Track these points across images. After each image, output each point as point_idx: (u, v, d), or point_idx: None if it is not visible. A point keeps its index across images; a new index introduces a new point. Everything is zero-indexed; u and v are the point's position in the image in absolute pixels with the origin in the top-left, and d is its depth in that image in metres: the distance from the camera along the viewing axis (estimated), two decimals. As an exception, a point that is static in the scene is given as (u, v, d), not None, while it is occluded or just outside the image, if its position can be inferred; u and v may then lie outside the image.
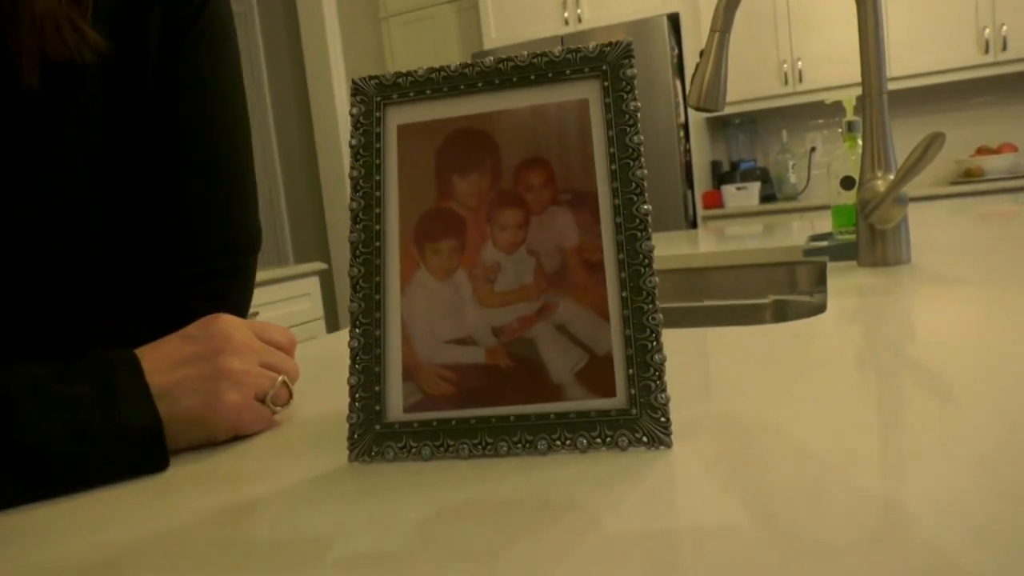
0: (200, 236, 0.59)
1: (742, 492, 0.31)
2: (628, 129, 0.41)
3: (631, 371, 0.38)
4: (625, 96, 0.42)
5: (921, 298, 0.75)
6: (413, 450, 0.39)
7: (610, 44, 0.42)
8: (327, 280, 3.96)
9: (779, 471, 0.33)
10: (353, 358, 0.41)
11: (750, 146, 4.18)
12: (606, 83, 0.42)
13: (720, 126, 4.24)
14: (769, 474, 0.33)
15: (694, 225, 3.78)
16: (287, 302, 2.84)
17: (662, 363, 0.38)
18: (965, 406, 0.39)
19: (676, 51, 3.74)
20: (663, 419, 0.37)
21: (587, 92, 0.43)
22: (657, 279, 0.39)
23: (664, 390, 0.38)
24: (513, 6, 3.98)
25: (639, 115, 0.41)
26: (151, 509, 0.37)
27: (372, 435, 0.40)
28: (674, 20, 3.75)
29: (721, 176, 4.00)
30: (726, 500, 0.31)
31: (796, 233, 1.76)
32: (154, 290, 0.58)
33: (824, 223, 1.92)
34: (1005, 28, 3.43)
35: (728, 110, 3.94)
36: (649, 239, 0.40)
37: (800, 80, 3.81)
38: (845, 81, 3.64)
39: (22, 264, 0.51)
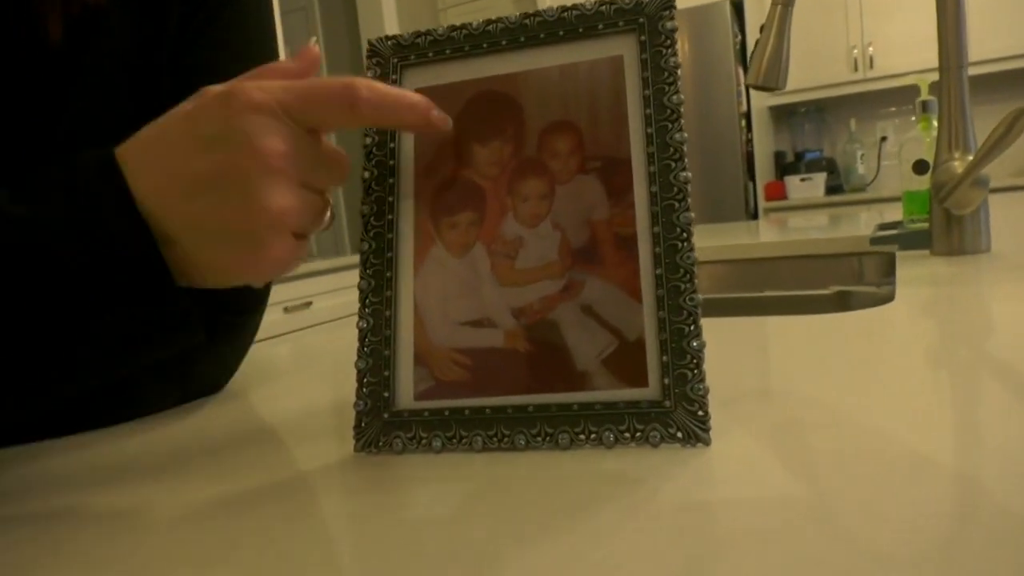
0: None
1: (790, 501, 0.27)
2: (667, 88, 0.37)
3: (665, 358, 0.34)
4: (664, 51, 0.37)
5: (1000, 289, 0.68)
6: (423, 441, 0.36)
7: (648, -6, 0.38)
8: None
9: (834, 472, 0.28)
10: (361, 340, 0.38)
11: (816, 135, 4.03)
12: (643, 37, 0.38)
13: (785, 115, 4.10)
14: (820, 477, 0.28)
15: (755, 217, 3.66)
16: (342, 292, 2.86)
17: (700, 349, 0.34)
18: (1059, 405, 0.34)
19: (739, 38, 3.62)
20: (701, 413, 0.33)
21: (622, 48, 0.38)
22: (696, 255, 0.34)
23: (703, 380, 0.33)
24: (571, -6, 3.92)
25: (679, 72, 0.37)
26: (138, 500, 0.34)
27: (380, 424, 0.37)
28: (737, 6, 3.63)
29: (785, 167, 3.87)
30: (771, 513, 0.26)
31: (863, 225, 1.67)
32: None
33: (894, 214, 1.82)
34: (1097, 7, 3.21)
35: (794, 98, 3.81)
36: (688, 210, 0.35)
37: (871, 66, 3.65)
38: (919, 67, 3.46)
39: None
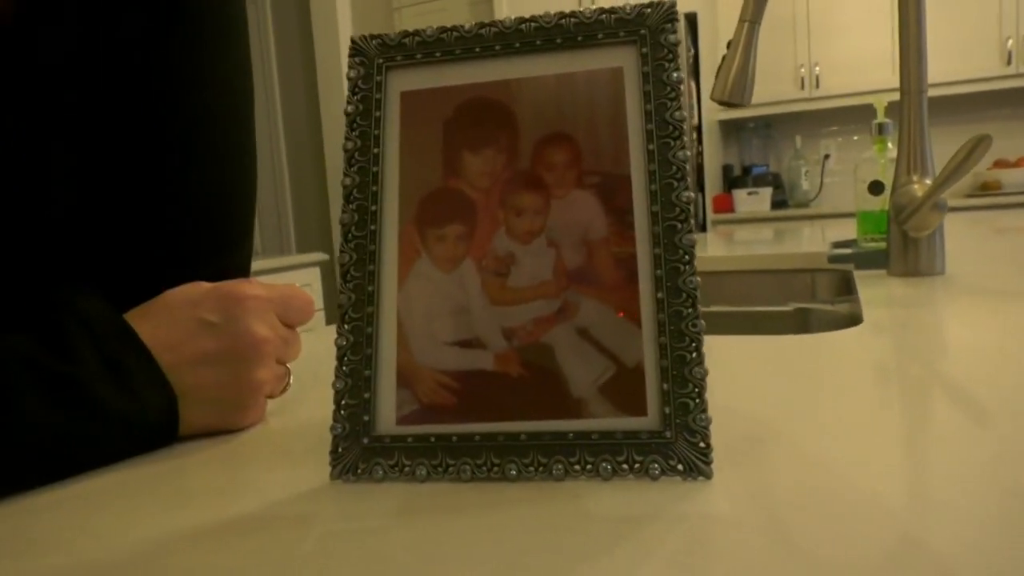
0: (182, 236, 0.53)
1: (790, 544, 0.25)
2: (669, 103, 0.35)
3: (666, 386, 0.32)
4: (667, 65, 0.36)
5: (962, 311, 0.69)
6: (406, 469, 0.33)
7: (650, 5, 0.37)
8: (329, 271, 3.91)
9: (815, 509, 0.27)
10: (340, 359, 0.35)
11: (763, 151, 4.12)
12: (644, 50, 0.36)
13: (734, 130, 4.18)
14: (806, 512, 0.27)
15: (703, 229, 3.72)
16: (287, 292, 2.78)
17: (703, 378, 0.32)
18: (1056, 441, 0.33)
19: (692, 51, 3.67)
20: (703, 444, 0.32)
21: (622, 59, 0.37)
22: (699, 279, 0.33)
23: (704, 410, 0.32)
24: None
25: (682, 87, 0.35)
26: (101, 529, 0.31)
27: (359, 449, 0.34)
28: (691, 20, 3.69)
29: (732, 180, 3.94)
30: (777, 551, 0.25)
31: (807, 240, 1.70)
32: (129, 284, 0.52)
33: (836, 231, 1.87)
34: (1029, 39, 3.36)
35: (742, 113, 3.88)
36: (691, 231, 0.34)
37: (817, 85, 3.74)
38: (863, 88, 3.57)
39: None
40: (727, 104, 1.00)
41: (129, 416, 0.39)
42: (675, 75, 0.36)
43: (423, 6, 4.27)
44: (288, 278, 2.80)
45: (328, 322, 3.47)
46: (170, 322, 0.42)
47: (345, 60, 0.40)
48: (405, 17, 4.31)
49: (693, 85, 3.61)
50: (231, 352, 0.42)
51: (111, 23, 0.49)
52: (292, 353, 0.47)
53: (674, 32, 0.36)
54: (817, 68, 3.73)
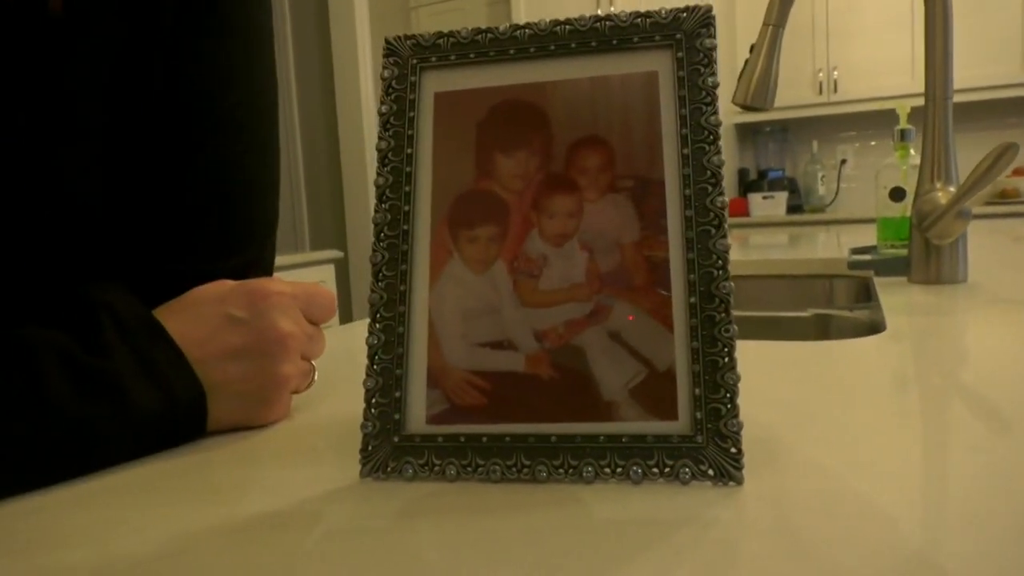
0: (202, 231, 0.53)
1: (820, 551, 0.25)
2: (705, 108, 0.35)
3: (697, 391, 0.32)
4: (702, 70, 0.36)
5: (985, 320, 0.68)
6: (436, 468, 0.34)
7: (686, 9, 0.37)
8: (343, 269, 3.92)
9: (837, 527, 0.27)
10: (371, 357, 0.36)
11: (779, 155, 4.10)
12: (680, 54, 0.36)
13: (750, 133, 4.16)
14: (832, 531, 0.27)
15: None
16: (301, 289, 2.79)
17: (735, 383, 0.32)
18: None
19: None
20: (734, 450, 0.32)
21: (657, 64, 0.37)
22: (732, 284, 0.33)
23: (736, 415, 0.32)
24: None
25: (718, 92, 0.35)
26: (132, 524, 0.32)
27: (389, 448, 0.34)
28: (709, 22, 3.68)
29: (748, 184, 3.93)
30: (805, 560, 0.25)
31: (823, 246, 1.69)
32: (154, 279, 0.52)
33: (853, 237, 1.85)
34: (1051, 46, 3.33)
35: (759, 117, 3.87)
36: (725, 237, 0.34)
37: (835, 90, 3.72)
38: (882, 93, 3.55)
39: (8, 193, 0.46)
40: (749, 108, 0.99)
41: (160, 411, 0.39)
42: (710, 80, 0.36)
43: (439, 5, 4.28)
44: (303, 275, 2.82)
45: (343, 322, 3.48)
46: (197, 318, 0.42)
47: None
48: (422, 17, 4.32)
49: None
50: (257, 347, 0.42)
51: (150, 21, 0.50)
52: (317, 350, 0.47)
53: (710, 36, 0.36)
54: (835, 72, 3.71)
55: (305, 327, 0.46)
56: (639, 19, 0.37)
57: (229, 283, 0.45)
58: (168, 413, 0.40)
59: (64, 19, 0.46)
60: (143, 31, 0.50)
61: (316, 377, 0.49)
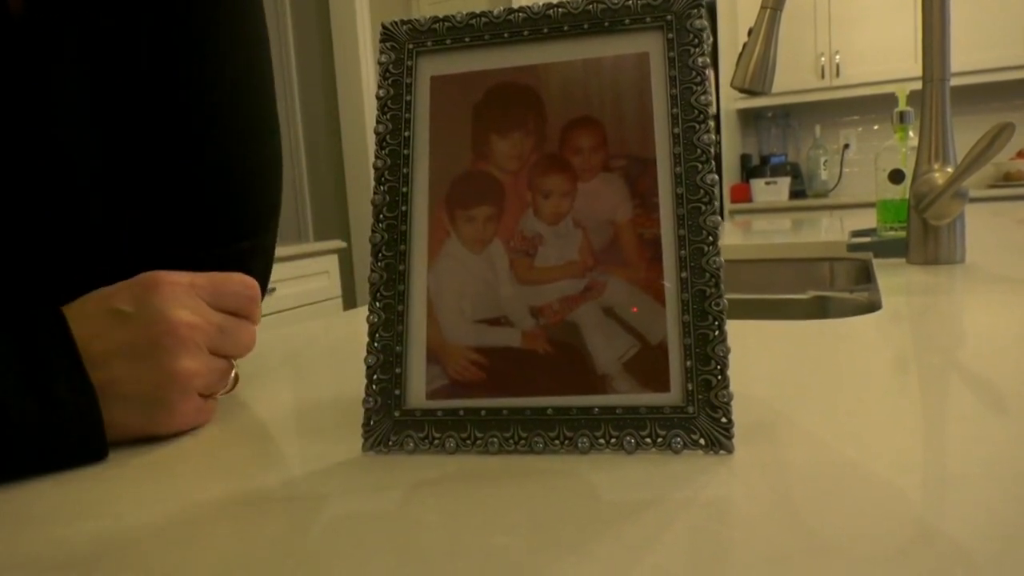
0: (204, 217, 0.54)
1: (807, 513, 0.26)
2: (695, 88, 0.36)
3: (689, 363, 0.33)
4: (692, 50, 0.37)
5: (981, 299, 0.69)
6: (436, 441, 0.35)
7: (677, -9, 0.37)
8: (346, 259, 3.93)
9: (829, 495, 0.28)
10: (372, 335, 0.37)
11: (782, 140, 4.09)
12: (670, 35, 0.37)
13: (752, 119, 4.15)
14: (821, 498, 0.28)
15: (721, 218, 3.70)
16: (304, 279, 2.81)
17: (725, 355, 0.33)
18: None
19: (711, 39, 3.65)
20: (724, 420, 0.32)
21: (648, 45, 0.37)
22: (722, 259, 0.34)
23: (727, 386, 0.33)
24: (546, -12, 3.90)
25: (708, 72, 0.36)
26: (141, 499, 0.33)
27: (390, 422, 0.35)
28: (711, 7, 3.67)
29: (750, 170, 3.92)
30: (796, 523, 0.26)
31: (826, 230, 1.69)
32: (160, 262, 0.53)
33: (855, 221, 1.86)
34: (1055, 27, 3.32)
35: (761, 102, 3.86)
36: (715, 213, 0.35)
37: (837, 75, 3.71)
38: (884, 77, 3.54)
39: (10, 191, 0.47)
40: (748, 92, 1.00)
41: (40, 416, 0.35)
42: (700, 60, 0.36)
43: (441, -7, 4.27)
44: (305, 265, 2.83)
45: (346, 307, 3.49)
46: (81, 316, 0.39)
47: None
48: (423, 4, 4.31)
49: (711, 73, 3.59)
50: (146, 341, 0.38)
51: (128, 10, 0.50)
52: (232, 344, 0.42)
53: (700, 18, 0.37)
54: (838, 57, 3.70)
55: (211, 317, 0.41)
56: (630, 1, 0.38)
57: (131, 280, 0.41)
58: (52, 418, 0.35)
59: (28, 19, 0.46)
60: (124, 22, 0.50)
61: (237, 375, 0.44)
